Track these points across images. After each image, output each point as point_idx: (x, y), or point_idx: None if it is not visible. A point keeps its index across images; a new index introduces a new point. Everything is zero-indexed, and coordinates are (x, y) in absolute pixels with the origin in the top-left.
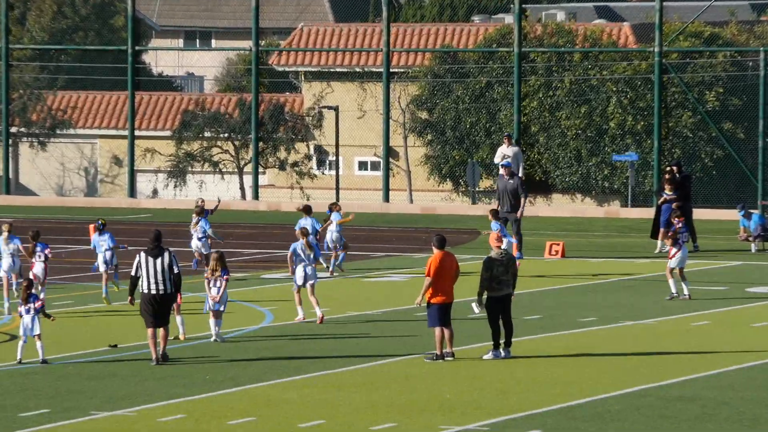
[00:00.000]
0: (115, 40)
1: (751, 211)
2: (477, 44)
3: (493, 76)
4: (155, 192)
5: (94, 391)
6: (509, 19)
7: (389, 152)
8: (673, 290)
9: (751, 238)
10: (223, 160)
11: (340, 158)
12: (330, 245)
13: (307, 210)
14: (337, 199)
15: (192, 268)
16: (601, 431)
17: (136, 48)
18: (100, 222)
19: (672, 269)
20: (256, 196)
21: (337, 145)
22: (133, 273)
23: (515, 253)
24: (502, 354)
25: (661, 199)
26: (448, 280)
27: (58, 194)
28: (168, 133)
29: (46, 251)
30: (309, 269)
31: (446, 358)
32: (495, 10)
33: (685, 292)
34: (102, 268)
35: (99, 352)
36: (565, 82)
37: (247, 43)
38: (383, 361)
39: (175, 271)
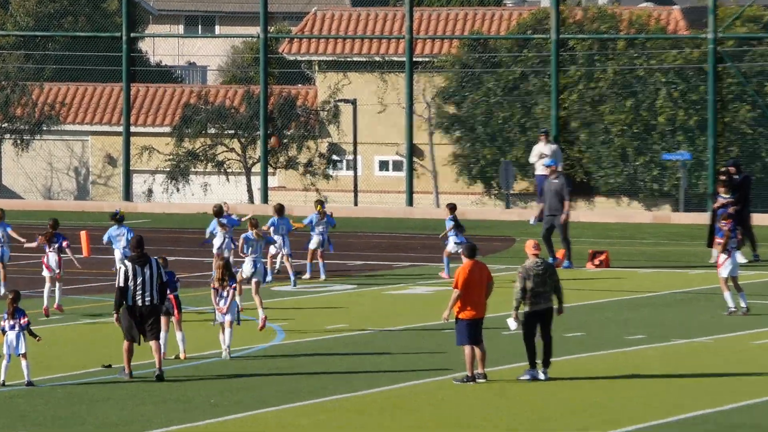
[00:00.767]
0: (108, 26)
1: None
2: (510, 31)
3: (528, 65)
4: (150, 192)
5: (85, 416)
6: (546, 2)
7: (413, 151)
8: (731, 304)
9: None
10: (229, 160)
11: (359, 157)
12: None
13: (279, 210)
14: (356, 202)
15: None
16: None
17: (132, 35)
18: (118, 211)
19: (725, 279)
20: (265, 200)
21: (354, 143)
22: (121, 283)
23: (562, 260)
24: (540, 375)
25: (717, 203)
26: (479, 293)
27: (45, 197)
28: (167, 129)
29: (64, 243)
30: (259, 264)
31: (478, 380)
32: None
33: (743, 305)
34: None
35: (91, 372)
36: (608, 73)
37: (255, 30)
38: (408, 383)
39: (164, 279)
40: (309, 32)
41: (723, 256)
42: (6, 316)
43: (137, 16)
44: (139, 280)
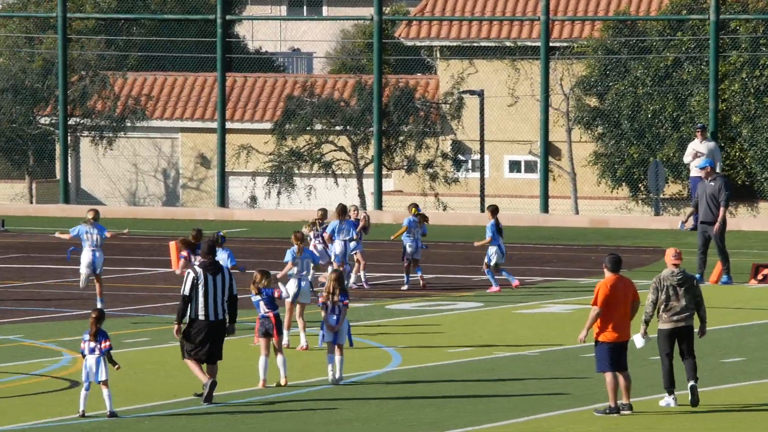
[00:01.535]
0: (200, 8)
1: None
2: (662, 11)
3: (683, 51)
4: (254, 200)
5: None
6: None
7: (548, 149)
8: None
9: None
10: (338, 160)
11: (486, 157)
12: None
13: (341, 211)
14: (482, 208)
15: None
16: None
17: (227, 17)
18: (221, 234)
19: None
20: (379, 206)
21: (481, 141)
22: (186, 292)
23: (719, 275)
24: (689, 389)
25: None
26: (623, 312)
27: (129, 203)
28: (268, 125)
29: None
30: (304, 283)
31: (622, 412)
32: None
33: None
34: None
35: (182, 402)
36: None
37: (368, 11)
38: (540, 414)
39: (234, 292)
40: (430, 14)
41: None
42: (87, 337)
43: None
44: (210, 291)
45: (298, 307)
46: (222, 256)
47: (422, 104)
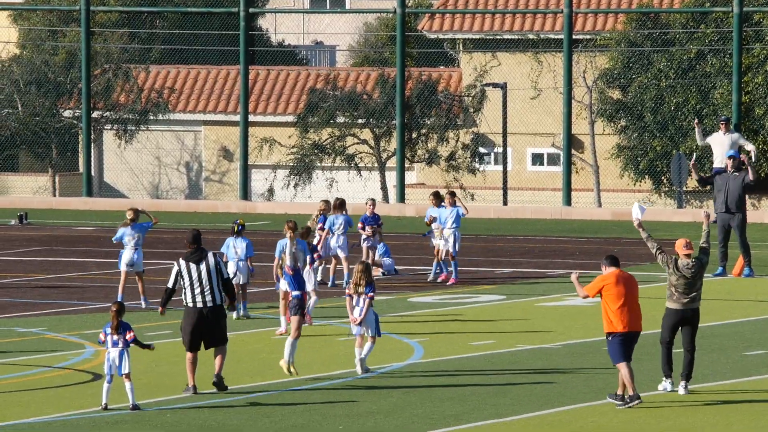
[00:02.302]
0: (223, 1)
1: None
2: (685, 3)
3: (706, 43)
4: (271, 191)
5: None
6: None
7: (571, 142)
8: None
9: None
10: (360, 153)
11: (509, 150)
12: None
13: (339, 206)
14: (505, 201)
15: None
16: None
17: (251, 10)
18: (238, 223)
19: None
20: (401, 198)
21: (504, 133)
22: (170, 285)
23: (741, 268)
24: (680, 390)
25: None
26: (630, 305)
27: (152, 196)
28: (290, 118)
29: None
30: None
31: (631, 403)
32: None
33: None
34: (234, 279)
35: (204, 395)
36: None
37: (391, 4)
38: (564, 407)
39: (225, 276)
40: (453, 6)
41: None
42: (109, 330)
43: None
44: (195, 279)
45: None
46: (241, 246)
47: (445, 97)
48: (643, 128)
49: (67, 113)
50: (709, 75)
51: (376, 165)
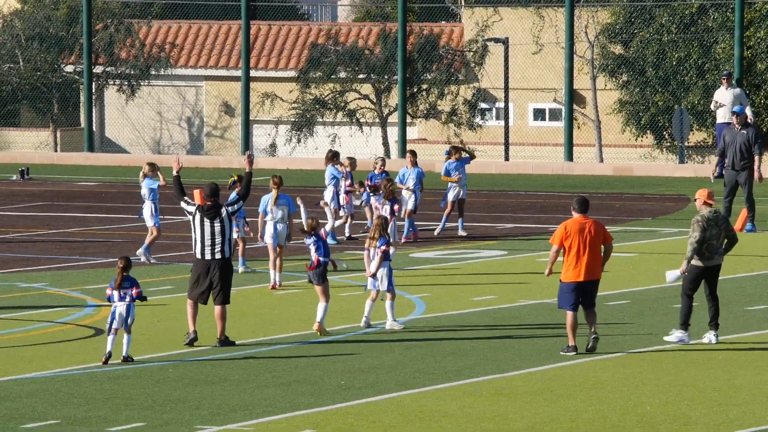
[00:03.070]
0: None
1: None
2: None
3: None
4: (273, 147)
5: (199, 399)
6: None
7: (573, 97)
8: None
9: None
10: (362, 108)
11: (510, 105)
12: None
13: (333, 156)
14: (506, 156)
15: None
16: None
17: None
18: (231, 176)
19: None
20: (403, 154)
21: (506, 89)
22: (182, 197)
23: (744, 222)
24: (711, 338)
25: None
26: (586, 253)
27: (153, 151)
28: (292, 73)
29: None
30: (280, 227)
31: (590, 343)
32: None
33: None
34: (269, 241)
35: (206, 351)
36: None
37: None
38: (565, 363)
39: (230, 210)
40: None
41: None
42: (113, 284)
43: None
44: (207, 232)
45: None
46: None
47: (446, 52)
48: (644, 83)
49: (68, 68)
50: (711, 29)
51: (377, 120)
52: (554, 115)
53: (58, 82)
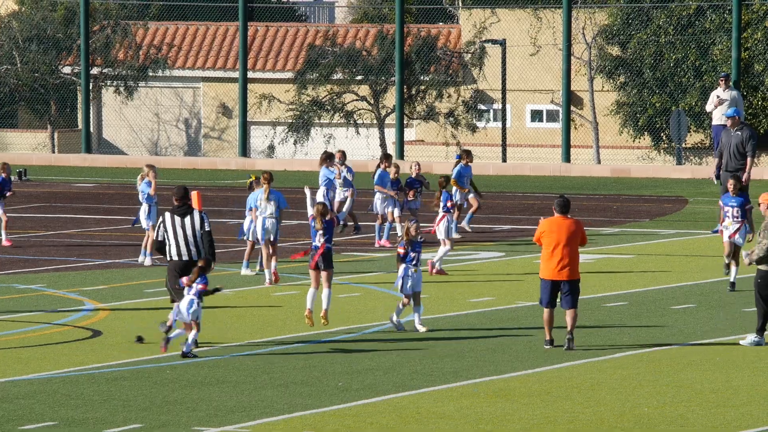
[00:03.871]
0: None
1: None
2: None
3: None
4: (271, 149)
5: (197, 401)
6: None
7: (570, 99)
8: None
9: None
10: (359, 110)
11: (508, 106)
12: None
13: (327, 158)
14: (504, 158)
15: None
16: None
17: None
18: (249, 176)
19: None
20: (400, 155)
21: (503, 90)
22: (159, 238)
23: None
24: (752, 340)
25: None
26: (563, 252)
27: (151, 152)
28: (289, 75)
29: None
30: (269, 222)
31: (568, 344)
32: None
33: None
34: (259, 236)
35: (205, 351)
36: None
37: None
38: (562, 364)
39: (206, 228)
40: None
41: None
42: (185, 281)
43: None
44: (179, 233)
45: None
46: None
47: (444, 53)
48: (642, 85)
49: (66, 70)
50: (708, 31)
51: (375, 122)
52: (552, 116)
53: (56, 84)
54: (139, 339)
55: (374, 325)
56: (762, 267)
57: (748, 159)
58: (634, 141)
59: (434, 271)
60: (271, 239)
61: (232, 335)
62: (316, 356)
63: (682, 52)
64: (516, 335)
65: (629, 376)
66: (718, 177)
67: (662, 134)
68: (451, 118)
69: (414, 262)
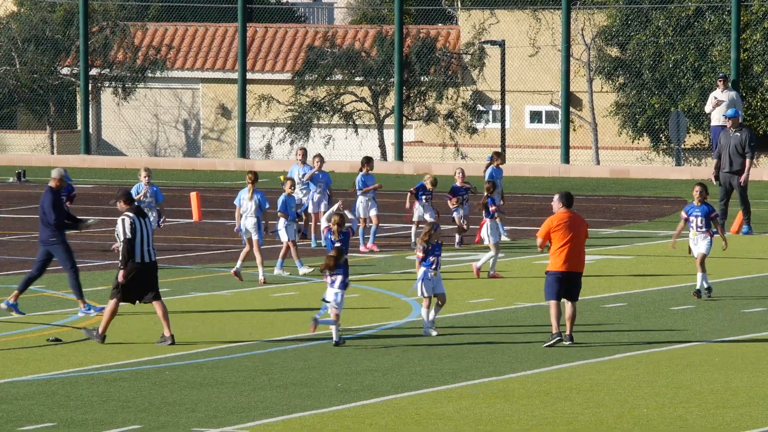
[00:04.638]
0: None
1: None
2: None
3: (704, 0)
4: (269, 148)
5: (196, 402)
6: None
7: (569, 100)
8: None
9: None
10: (358, 111)
11: (507, 107)
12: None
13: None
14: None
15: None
16: None
17: None
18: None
19: None
20: (399, 156)
21: (502, 91)
22: (129, 234)
23: (740, 225)
24: None
25: None
26: (572, 245)
27: (150, 153)
28: (288, 76)
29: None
30: (253, 221)
31: (564, 342)
32: None
33: None
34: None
35: (203, 353)
36: None
37: None
38: (562, 365)
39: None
40: None
41: None
42: (326, 273)
43: None
44: (144, 235)
45: (254, 243)
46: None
47: (443, 55)
48: (641, 86)
49: (65, 71)
50: (707, 32)
51: (374, 123)
52: (551, 117)
53: (55, 85)
54: (56, 340)
55: (373, 326)
56: None
57: (747, 160)
58: (633, 142)
59: (489, 274)
60: (252, 238)
61: (231, 336)
62: (315, 357)
63: (681, 53)
64: (515, 336)
65: (628, 377)
66: (717, 178)
67: (661, 135)
68: (451, 119)
69: (434, 266)
